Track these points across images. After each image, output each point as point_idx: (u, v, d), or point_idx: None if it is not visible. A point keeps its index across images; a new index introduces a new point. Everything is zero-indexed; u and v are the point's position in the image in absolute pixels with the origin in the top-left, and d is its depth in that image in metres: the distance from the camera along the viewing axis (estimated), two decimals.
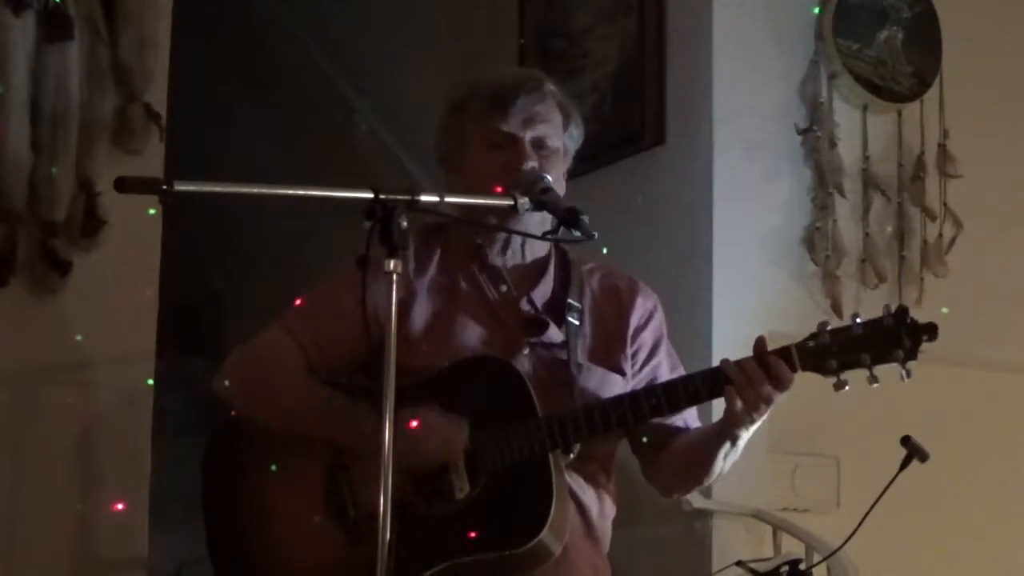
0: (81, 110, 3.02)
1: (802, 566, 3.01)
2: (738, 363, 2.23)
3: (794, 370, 2.22)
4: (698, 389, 2.27)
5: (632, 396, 2.29)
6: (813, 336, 2.24)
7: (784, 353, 2.23)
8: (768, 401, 2.21)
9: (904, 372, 2.20)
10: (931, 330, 2.20)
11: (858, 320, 2.24)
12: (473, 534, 2.19)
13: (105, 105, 3.06)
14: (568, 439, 2.25)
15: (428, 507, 2.21)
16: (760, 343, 2.24)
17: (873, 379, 2.21)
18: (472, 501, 2.22)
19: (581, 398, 2.32)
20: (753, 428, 2.29)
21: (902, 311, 2.21)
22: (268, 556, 2.35)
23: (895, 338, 2.19)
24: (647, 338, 2.46)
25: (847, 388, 2.21)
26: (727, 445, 2.31)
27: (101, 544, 3.04)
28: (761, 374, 2.20)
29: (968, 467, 3.90)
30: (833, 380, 2.22)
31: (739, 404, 2.22)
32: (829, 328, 2.23)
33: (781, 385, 2.21)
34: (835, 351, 2.21)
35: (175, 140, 3.21)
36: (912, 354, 2.20)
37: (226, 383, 2.38)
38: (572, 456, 2.29)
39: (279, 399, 2.35)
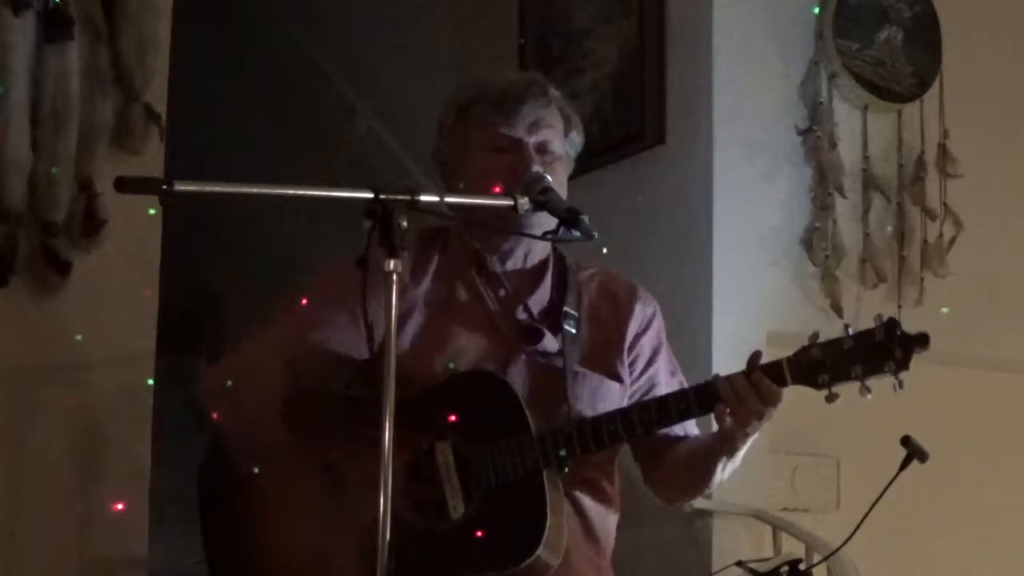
0: (81, 110, 3.02)
1: (802, 566, 3.01)
2: (728, 379, 2.23)
3: (784, 384, 2.22)
4: (689, 405, 2.26)
5: (624, 412, 2.29)
6: (804, 349, 2.23)
7: (775, 367, 2.22)
8: (759, 417, 2.21)
9: (897, 383, 2.19)
10: (923, 341, 2.19)
11: (850, 331, 2.23)
12: (469, 552, 2.19)
13: (105, 105, 3.06)
14: (561, 455, 2.24)
15: (423, 526, 2.20)
16: (753, 358, 2.24)
17: (865, 391, 2.20)
18: (467, 519, 2.21)
19: (577, 406, 2.32)
20: (749, 441, 2.29)
21: (892, 324, 2.20)
22: (263, 566, 2.36)
23: (886, 351, 2.18)
24: (645, 345, 2.45)
25: (839, 399, 2.21)
26: (725, 459, 2.32)
27: (101, 544, 3.04)
28: (751, 391, 2.20)
29: (968, 467, 3.90)
30: (825, 393, 2.22)
31: (728, 421, 2.22)
32: (820, 341, 2.22)
33: (770, 402, 2.21)
34: (827, 365, 2.20)
35: (175, 140, 3.21)
36: (904, 365, 2.18)
37: (202, 392, 2.39)
38: (567, 470, 2.28)
39: (240, 420, 2.33)
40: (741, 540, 3.62)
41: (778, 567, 2.95)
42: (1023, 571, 4.03)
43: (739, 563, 3.05)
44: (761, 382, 2.20)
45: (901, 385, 2.19)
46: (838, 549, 2.84)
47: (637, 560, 3.45)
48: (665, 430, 2.38)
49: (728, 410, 2.21)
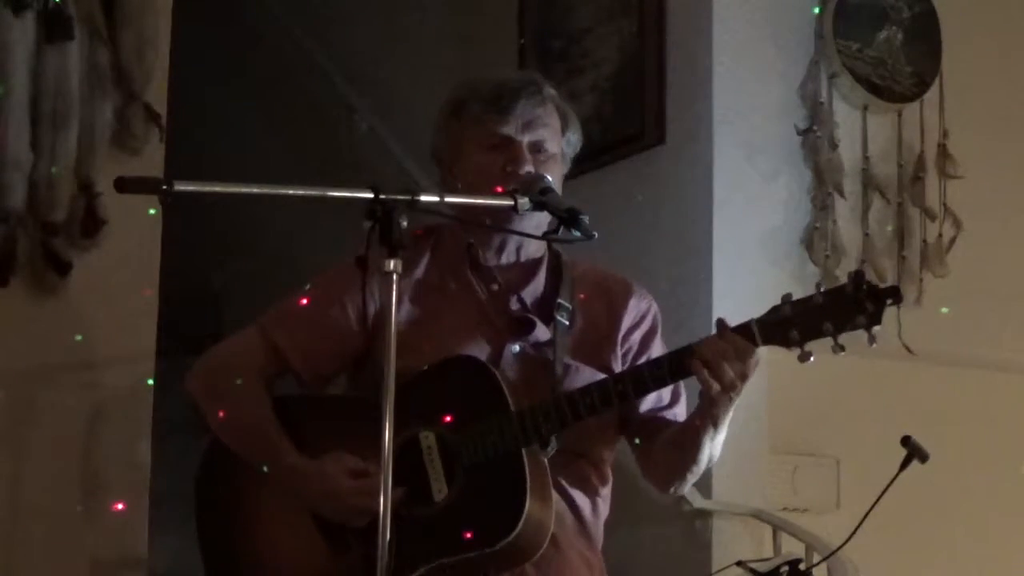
0: (81, 110, 3.02)
1: (802, 566, 3.01)
2: (701, 341, 2.21)
3: (755, 344, 2.19)
4: (662, 372, 2.25)
5: (599, 384, 2.28)
6: (774, 309, 2.21)
7: (745, 328, 2.20)
8: (741, 377, 2.19)
9: (870, 337, 2.15)
10: (893, 293, 2.16)
11: (822, 289, 2.22)
12: (453, 534, 2.19)
13: (105, 105, 3.06)
14: (540, 432, 2.24)
15: (408, 510, 2.21)
16: (721, 321, 2.23)
17: (838, 348, 2.15)
18: (450, 502, 2.22)
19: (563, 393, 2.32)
20: (731, 411, 2.27)
21: (858, 276, 2.17)
22: (255, 566, 2.36)
23: (857, 304, 2.14)
24: (637, 338, 2.45)
25: (812, 359, 2.17)
26: (711, 430, 2.29)
27: (101, 544, 3.04)
28: (728, 349, 2.18)
29: (968, 467, 3.90)
30: (797, 352, 2.18)
31: (714, 383, 2.19)
32: (791, 300, 2.20)
33: (745, 358, 2.18)
34: (796, 322, 2.17)
35: (175, 140, 3.21)
36: (876, 319, 2.14)
37: (190, 381, 2.42)
38: (551, 450, 2.27)
39: (227, 405, 2.36)
40: (741, 540, 3.62)
41: (778, 567, 2.95)
42: (1023, 571, 4.03)
43: (739, 563, 3.05)
44: (734, 339, 2.18)
45: (874, 340, 2.16)
46: (838, 549, 2.85)
47: (637, 560, 3.45)
48: (657, 415, 2.38)
49: (708, 374, 2.18)
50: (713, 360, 2.18)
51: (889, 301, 2.15)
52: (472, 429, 2.23)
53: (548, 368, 2.34)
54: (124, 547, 3.06)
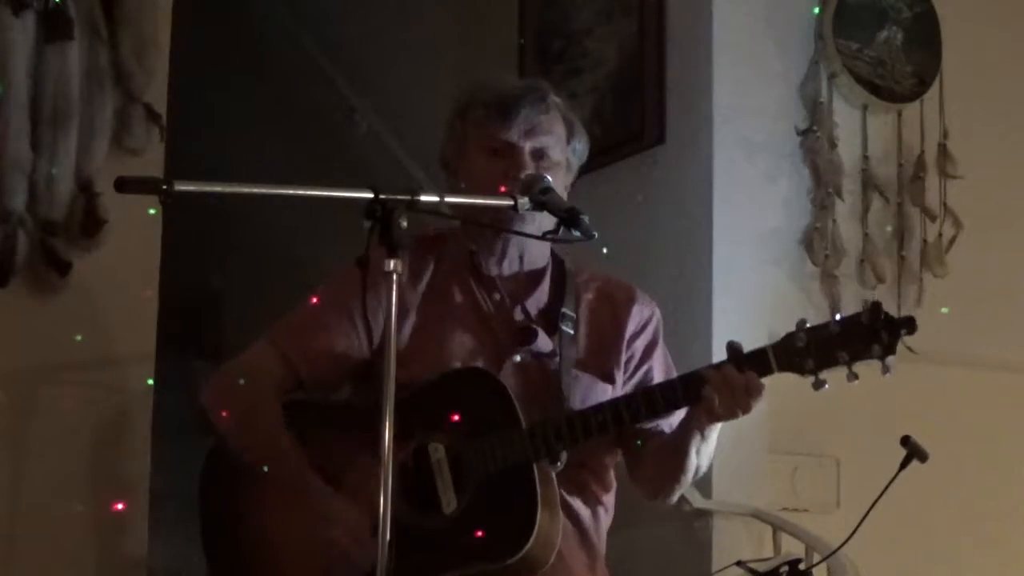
0: (81, 110, 3.02)
1: (802, 566, 3.01)
2: (719, 369, 2.22)
3: (770, 372, 2.20)
4: (676, 395, 2.26)
5: (612, 403, 2.29)
6: (790, 336, 2.21)
7: (760, 355, 2.21)
8: (745, 410, 2.21)
9: (883, 367, 2.17)
10: (909, 323, 2.18)
11: (838, 317, 2.22)
12: (461, 548, 2.19)
13: (105, 105, 3.06)
14: (551, 448, 2.24)
15: (417, 522, 2.21)
16: (737, 351, 2.22)
17: (852, 376, 2.18)
18: (459, 515, 2.22)
19: (570, 407, 2.31)
20: (720, 424, 2.28)
21: (876, 307, 2.19)
22: (260, 567, 2.36)
23: (873, 334, 2.16)
24: (640, 345, 2.46)
25: (826, 387, 2.18)
26: (697, 438, 2.30)
27: (101, 544, 3.04)
28: (741, 380, 2.19)
29: (968, 467, 3.90)
30: (811, 379, 2.20)
31: (717, 404, 2.20)
32: (807, 327, 2.21)
33: (754, 395, 2.19)
34: (812, 351, 2.19)
35: (175, 140, 3.21)
36: (891, 349, 2.17)
37: (206, 398, 2.41)
38: (560, 464, 2.28)
39: (243, 426, 2.36)
40: (741, 540, 3.62)
41: (778, 567, 2.95)
42: (1023, 571, 4.03)
43: (739, 563, 3.05)
44: (751, 376, 2.19)
45: (888, 370, 2.17)
46: (838, 549, 2.85)
47: (636, 560, 3.45)
48: (647, 426, 2.38)
49: (718, 403, 2.20)
50: (727, 391, 2.19)
51: (904, 332, 2.16)
52: (483, 442, 2.24)
53: (549, 378, 2.34)
54: (124, 547, 3.06)
